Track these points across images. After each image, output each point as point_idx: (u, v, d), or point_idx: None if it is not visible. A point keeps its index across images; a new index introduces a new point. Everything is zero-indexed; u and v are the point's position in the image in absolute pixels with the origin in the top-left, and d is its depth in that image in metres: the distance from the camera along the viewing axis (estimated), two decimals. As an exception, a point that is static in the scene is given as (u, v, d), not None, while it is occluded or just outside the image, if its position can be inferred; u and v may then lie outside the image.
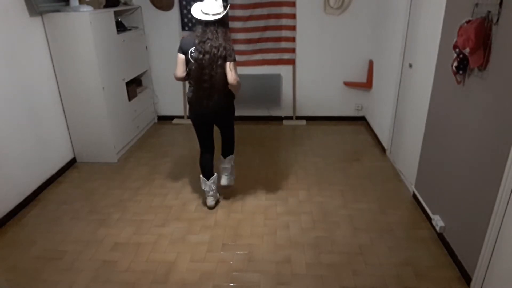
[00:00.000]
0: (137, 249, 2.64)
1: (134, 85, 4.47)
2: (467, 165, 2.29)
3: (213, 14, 2.57)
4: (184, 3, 4.57)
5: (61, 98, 3.72)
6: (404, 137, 3.54)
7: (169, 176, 3.65)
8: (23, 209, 3.15)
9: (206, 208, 3.10)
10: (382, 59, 4.26)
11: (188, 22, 4.66)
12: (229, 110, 2.95)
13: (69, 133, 3.87)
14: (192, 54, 2.65)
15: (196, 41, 2.60)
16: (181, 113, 5.20)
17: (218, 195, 3.18)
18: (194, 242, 2.71)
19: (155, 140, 4.59)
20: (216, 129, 3.06)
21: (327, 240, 2.70)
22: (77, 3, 3.51)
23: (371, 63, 4.67)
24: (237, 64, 2.73)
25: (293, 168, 3.77)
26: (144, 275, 2.40)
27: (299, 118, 5.12)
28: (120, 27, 4.19)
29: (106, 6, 3.91)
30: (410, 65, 3.35)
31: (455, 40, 2.28)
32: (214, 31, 2.59)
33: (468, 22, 2.17)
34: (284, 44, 4.70)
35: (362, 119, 5.07)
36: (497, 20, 1.98)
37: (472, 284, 2.21)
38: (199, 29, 2.63)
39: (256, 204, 3.16)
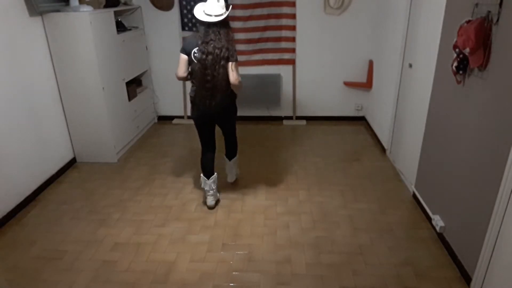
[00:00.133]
0: (137, 249, 2.64)
1: (134, 85, 4.47)
2: (467, 165, 2.29)
3: (216, 16, 2.60)
4: (184, 3, 4.57)
5: (61, 98, 3.72)
6: (404, 137, 3.54)
7: (169, 176, 3.65)
8: (23, 209, 3.15)
9: (206, 208, 3.10)
10: (382, 59, 4.26)
11: (188, 22, 4.66)
12: (231, 110, 2.99)
13: (69, 133, 3.87)
14: (195, 55, 2.68)
15: (199, 42, 2.64)
16: (181, 113, 5.20)
17: (218, 194, 3.19)
18: (194, 242, 2.71)
19: (155, 140, 4.59)
20: (217, 130, 3.08)
21: (327, 240, 2.70)
22: (77, 3, 3.51)
23: (371, 63, 4.67)
24: (237, 64, 2.75)
25: (293, 168, 3.77)
26: (144, 275, 2.40)
27: (299, 118, 5.12)
28: (120, 27, 4.19)
29: (106, 6, 3.91)
30: (410, 65, 3.35)
31: (455, 40, 2.28)
32: (217, 32, 2.62)
33: (468, 22, 2.17)
34: (284, 44, 4.71)
35: (362, 119, 5.07)
36: (497, 20, 1.98)
37: (472, 284, 2.21)
38: (201, 30, 2.65)
39: (256, 204, 3.16)
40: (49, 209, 3.15)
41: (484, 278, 2.10)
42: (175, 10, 4.63)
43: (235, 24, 4.57)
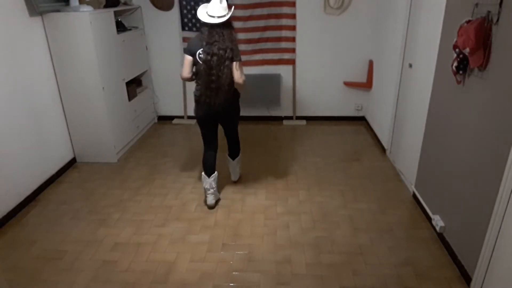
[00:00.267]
0: (137, 249, 2.63)
1: (134, 85, 4.47)
2: (467, 165, 2.29)
3: (219, 17, 2.65)
4: (184, 3, 4.57)
5: (61, 98, 3.72)
6: (404, 137, 3.54)
7: (169, 176, 3.65)
8: (23, 209, 3.15)
9: (206, 208, 3.10)
10: (382, 59, 4.26)
11: (188, 22, 4.66)
12: (235, 109, 3.06)
13: (69, 133, 3.87)
14: (200, 56, 2.74)
15: (204, 43, 2.69)
16: (181, 113, 5.20)
17: (218, 194, 3.19)
18: (194, 242, 2.71)
19: (155, 140, 4.59)
20: (220, 130, 3.11)
21: (327, 240, 2.70)
22: (77, 3, 3.51)
23: (371, 63, 4.67)
24: (241, 63, 2.83)
25: (293, 168, 3.77)
26: (144, 275, 2.40)
27: (299, 118, 5.12)
28: (120, 27, 4.19)
29: (106, 6, 3.91)
30: (410, 65, 3.35)
31: (455, 40, 2.29)
32: (221, 33, 2.68)
33: (468, 22, 2.17)
34: (284, 44, 4.71)
35: (362, 119, 5.07)
36: (497, 20, 1.98)
37: (472, 284, 2.21)
38: (205, 31, 2.71)
39: (256, 204, 3.16)
40: (49, 209, 3.15)
41: (484, 278, 2.10)
42: (175, 10, 4.63)
43: (235, 24, 4.51)
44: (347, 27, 4.59)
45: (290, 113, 5.11)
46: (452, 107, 2.50)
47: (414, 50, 3.27)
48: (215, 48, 2.67)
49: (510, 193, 1.87)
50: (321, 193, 3.31)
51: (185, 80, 2.90)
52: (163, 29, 4.75)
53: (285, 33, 4.66)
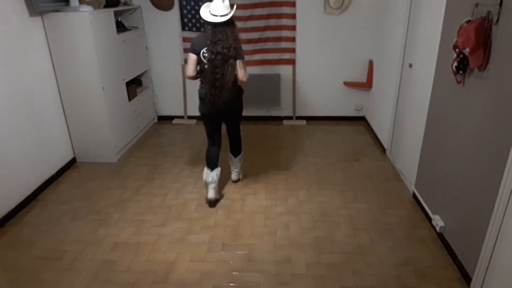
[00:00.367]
0: (137, 249, 2.63)
1: (134, 85, 4.47)
2: (467, 165, 2.29)
3: (221, 16, 2.71)
4: (184, 3, 4.56)
5: (61, 98, 3.72)
6: (404, 137, 3.54)
7: (169, 176, 3.65)
8: (23, 209, 3.15)
9: (206, 208, 3.10)
10: (382, 59, 4.26)
11: (188, 22, 4.65)
12: (238, 107, 3.13)
13: (69, 133, 3.87)
14: (204, 55, 2.80)
15: (208, 42, 2.75)
16: (181, 113, 5.20)
17: (218, 194, 3.18)
18: (194, 242, 2.71)
19: (155, 140, 4.59)
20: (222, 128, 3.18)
21: (327, 240, 2.70)
22: (77, 3, 3.51)
23: (371, 63, 4.67)
24: (244, 61, 2.90)
25: (293, 168, 3.77)
26: (144, 275, 2.40)
27: (299, 118, 5.11)
28: (120, 27, 4.19)
29: (106, 6, 3.91)
30: (410, 65, 3.35)
31: (455, 40, 2.28)
32: (224, 32, 2.74)
33: (468, 22, 2.17)
34: (284, 44, 4.71)
35: (362, 119, 5.07)
36: (497, 20, 1.98)
37: (472, 284, 2.21)
38: (208, 30, 2.76)
39: (256, 204, 3.16)
40: (49, 209, 3.15)
41: (484, 278, 2.10)
42: (175, 10, 4.63)
43: (235, 24, 4.57)
44: (347, 27, 4.59)
45: (290, 113, 5.11)
46: (452, 107, 2.50)
47: (414, 50, 3.27)
48: (219, 47, 2.73)
49: (510, 193, 1.87)
50: (321, 193, 3.31)
51: (189, 78, 2.95)
52: (163, 29, 4.75)
53: (285, 33, 4.66)
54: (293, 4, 4.51)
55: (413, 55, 3.29)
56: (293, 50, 4.73)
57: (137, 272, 2.42)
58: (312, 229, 2.82)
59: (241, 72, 2.83)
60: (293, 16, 4.57)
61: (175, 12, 4.65)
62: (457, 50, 2.26)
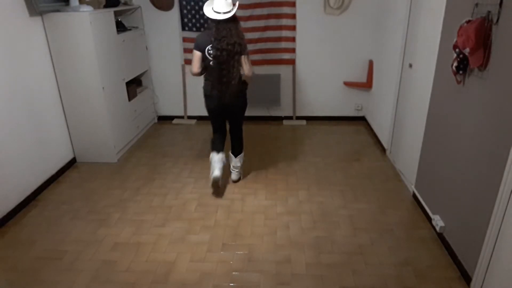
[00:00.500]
0: (137, 249, 2.63)
1: (134, 85, 4.47)
2: (467, 165, 2.29)
3: (224, 13, 2.75)
4: (184, 3, 4.56)
5: (61, 98, 3.72)
6: (404, 137, 3.54)
7: (169, 176, 3.65)
8: (23, 209, 3.15)
9: (206, 208, 3.10)
10: (382, 59, 4.26)
11: (188, 22, 4.65)
12: (242, 103, 3.20)
13: (69, 133, 3.87)
14: (209, 52, 2.86)
15: (212, 39, 2.80)
16: (181, 113, 5.20)
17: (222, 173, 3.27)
18: (194, 242, 2.71)
19: (155, 140, 4.59)
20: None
21: (327, 240, 2.70)
22: (77, 3, 3.51)
23: (371, 63, 4.67)
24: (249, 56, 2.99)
25: (293, 168, 3.77)
26: (144, 275, 2.40)
27: (299, 118, 5.11)
28: (120, 27, 4.19)
29: (106, 6, 3.91)
30: (410, 65, 3.35)
31: (455, 40, 2.28)
32: (228, 29, 2.79)
33: (468, 22, 2.17)
34: (284, 44, 4.71)
35: (362, 119, 5.07)
36: (497, 20, 1.98)
37: (472, 284, 2.21)
38: (212, 27, 2.81)
39: (256, 204, 3.16)
40: (49, 209, 3.15)
41: (484, 278, 2.10)
42: (175, 10, 4.63)
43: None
44: (347, 27, 4.59)
45: (290, 113, 5.11)
46: (452, 107, 2.50)
47: (414, 50, 3.27)
48: (224, 43, 2.78)
49: (510, 193, 1.87)
50: (321, 193, 3.31)
51: (195, 75, 3.02)
52: (163, 29, 4.75)
53: (285, 33, 4.66)
54: (293, 4, 4.51)
55: (413, 55, 3.29)
56: (293, 50, 4.73)
57: (137, 272, 2.42)
58: (312, 229, 2.82)
59: (247, 67, 2.92)
60: (293, 16, 4.57)
61: (175, 12, 4.65)
62: (457, 50, 2.26)
